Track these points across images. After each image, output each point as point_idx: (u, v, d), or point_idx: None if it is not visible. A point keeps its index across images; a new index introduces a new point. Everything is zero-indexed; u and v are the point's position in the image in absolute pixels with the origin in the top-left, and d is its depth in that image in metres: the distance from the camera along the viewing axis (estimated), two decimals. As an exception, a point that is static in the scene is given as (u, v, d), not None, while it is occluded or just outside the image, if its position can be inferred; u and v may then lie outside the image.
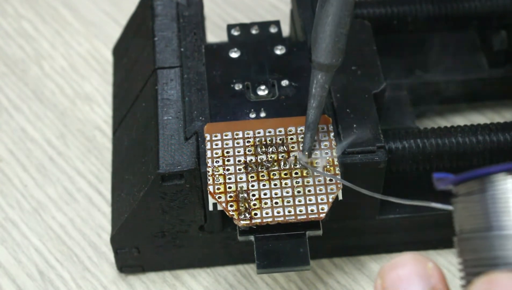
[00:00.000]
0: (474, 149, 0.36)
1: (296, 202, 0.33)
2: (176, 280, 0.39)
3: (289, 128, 0.35)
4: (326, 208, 0.33)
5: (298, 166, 0.34)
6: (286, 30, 0.45)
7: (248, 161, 0.34)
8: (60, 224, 0.41)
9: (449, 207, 0.25)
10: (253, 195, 0.33)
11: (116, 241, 0.37)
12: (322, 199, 0.33)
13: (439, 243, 0.39)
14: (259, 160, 0.34)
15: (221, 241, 0.38)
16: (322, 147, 0.35)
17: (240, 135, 0.35)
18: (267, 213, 0.33)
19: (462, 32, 0.44)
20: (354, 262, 0.40)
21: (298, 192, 0.33)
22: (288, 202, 0.33)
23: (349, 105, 0.36)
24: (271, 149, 0.35)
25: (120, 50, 0.44)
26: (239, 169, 0.34)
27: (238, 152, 0.35)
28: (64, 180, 0.43)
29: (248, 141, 0.35)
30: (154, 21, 0.40)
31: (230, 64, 0.38)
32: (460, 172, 0.25)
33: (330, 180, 0.34)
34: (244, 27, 0.40)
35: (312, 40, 0.33)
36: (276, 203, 0.33)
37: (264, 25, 0.40)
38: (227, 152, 0.34)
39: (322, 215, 0.33)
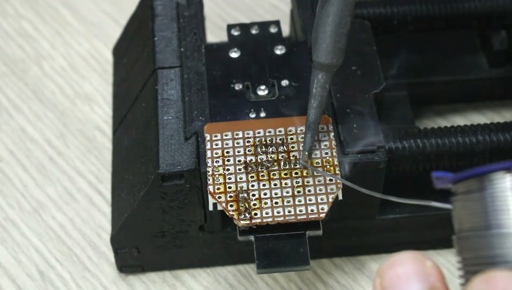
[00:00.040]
0: (474, 149, 0.36)
1: (296, 202, 0.33)
2: (176, 280, 0.39)
3: (289, 128, 0.35)
4: (326, 208, 0.33)
5: (298, 166, 0.34)
6: (286, 30, 0.45)
7: (248, 161, 0.34)
8: (60, 224, 0.41)
9: (449, 206, 0.25)
10: (253, 195, 0.33)
11: (116, 241, 0.37)
12: (322, 199, 0.33)
13: (439, 243, 0.39)
14: (259, 160, 0.34)
15: (221, 241, 0.38)
16: (322, 147, 0.35)
17: (240, 135, 0.35)
18: (267, 213, 0.33)
19: (462, 32, 0.44)
20: (354, 262, 0.40)
21: (298, 192, 0.33)
22: (288, 202, 0.33)
23: (349, 105, 0.36)
24: (271, 149, 0.35)
25: (120, 50, 0.44)
26: (239, 169, 0.34)
27: (238, 152, 0.35)
28: (64, 180, 0.43)
29: (248, 141, 0.35)
30: (154, 21, 0.40)
31: (230, 64, 0.38)
32: (459, 171, 0.25)
33: (330, 180, 0.34)
34: (244, 27, 0.40)
35: (312, 40, 0.33)
36: (276, 203, 0.33)
37: (264, 25, 0.40)
38: (227, 152, 0.34)
39: (322, 215, 0.33)
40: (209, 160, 0.34)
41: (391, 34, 0.43)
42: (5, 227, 0.41)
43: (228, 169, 0.34)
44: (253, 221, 0.33)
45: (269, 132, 0.35)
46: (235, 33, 0.40)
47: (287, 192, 0.33)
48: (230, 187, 0.33)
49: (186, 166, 0.34)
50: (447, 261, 0.39)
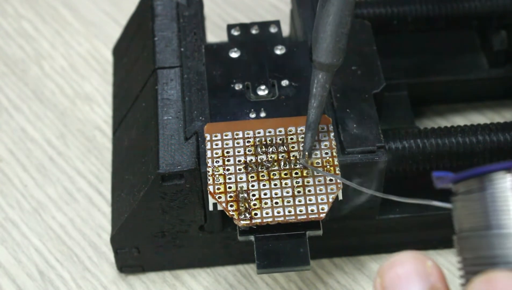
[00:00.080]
0: (474, 149, 0.36)
1: (296, 202, 0.33)
2: (176, 280, 0.39)
3: (289, 128, 0.35)
4: (326, 208, 0.33)
5: (298, 166, 0.34)
6: (286, 30, 0.45)
7: (248, 161, 0.34)
8: (60, 224, 0.41)
9: (449, 205, 0.25)
10: (253, 195, 0.33)
11: (116, 241, 0.37)
12: (322, 199, 0.33)
13: (439, 243, 0.39)
14: (259, 160, 0.34)
15: (221, 241, 0.38)
16: (322, 147, 0.35)
17: (240, 135, 0.35)
18: (267, 213, 0.33)
19: (462, 32, 0.44)
20: (354, 262, 0.40)
21: (298, 192, 0.33)
22: (288, 202, 0.33)
23: (349, 105, 0.36)
24: (271, 149, 0.35)
25: (120, 50, 0.44)
26: (239, 169, 0.34)
27: (238, 152, 0.35)
28: (64, 180, 0.43)
29: (248, 141, 0.35)
30: (154, 21, 0.40)
31: (230, 64, 0.38)
32: (460, 171, 0.25)
33: (330, 180, 0.34)
34: (244, 27, 0.40)
35: (313, 40, 0.33)
36: (276, 203, 0.33)
37: (264, 25, 0.40)
38: (227, 152, 0.34)
39: (322, 215, 0.33)
40: (209, 160, 0.34)
41: (391, 34, 0.43)
42: (5, 227, 0.41)
43: (228, 169, 0.34)
44: (253, 221, 0.33)
45: (269, 132, 0.35)
46: (235, 33, 0.40)
47: (287, 192, 0.33)
48: (230, 187, 0.33)
49: (186, 166, 0.34)
50: (447, 261, 0.39)
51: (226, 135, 0.35)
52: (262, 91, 0.37)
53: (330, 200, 0.33)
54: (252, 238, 0.33)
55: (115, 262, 0.39)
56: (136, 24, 0.43)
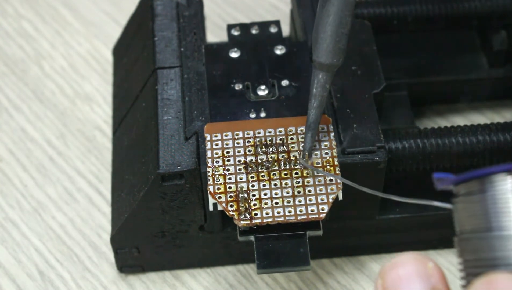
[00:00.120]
0: (474, 149, 0.36)
1: (296, 202, 0.33)
2: (176, 280, 0.39)
3: (289, 128, 0.35)
4: (326, 208, 0.33)
5: (298, 166, 0.34)
6: (286, 30, 0.45)
7: (248, 161, 0.34)
8: (60, 224, 0.41)
9: (450, 206, 0.25)
10: (253, 195, 0.33)
11: (116, 241, 0.37)
12: (322, 199, 0.33)
13: (439, 243, 0.40)
14: (259, 160, 0.34)
15: (221, 241, 0.38)
16: (322, 147, 0.35)
17: (240, 135, 0.35)
18: (267, 213, 0.33)
19: (462, 32, 0.44)
20: (354, 262, 0.40)
21: (298, 192, 0.33)
22: (288, 202, 0.33)
23: (349, 105, 0.36)
24: (271, 149, 0.35)
25: (120, 50, 0.44)
26: (239, 169, 0.34)
27: (238, 152, 0.35)
28: (64, 180, 0.43)
29: (248, 141, 0.35)
30: (154, 21, 0.40)
31: (230, 64, 0.38)
32: (460, 172, 0.25)
33: (330, 180, 0.34)
34: (244, 27, 0.40)
35: (313, 40, 0.33)
36: (276, 203, 0.33)
37: (264, 25, 0.40)
38: (227, 152, 0.34)
39: (322, 215, 0.33)
40: (209, 160, 0.34)
41: (391, 34, 0.43)
42: (5, 227, 0.41)
43: (228, 169, 0.34)
44: (253, 221, 0.33)
45: (269, 132, 0.35)
46: (235, 33, 0.40)
47: (287, 192, 0.33)
48: (230, 187, 0.33)
49: (186, 166, 0.34)
50: (447, 261, 0.39)
51: (226, 135, 0.35)
52: (262, 91, 0.37)
53: (330, 200, 0.33)
54: (252, 238, 0.33)
55: (115, 262, 0.39)
56: (136, 24, 0.43)
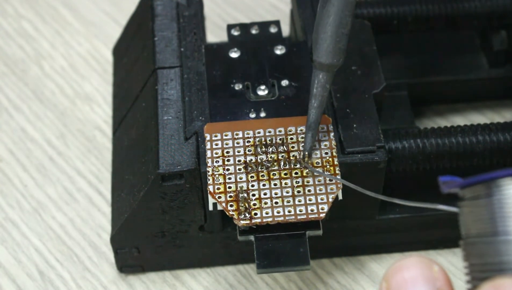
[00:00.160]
0: (474, 149, 0.36)
1: (296, 202, 0.33)
2: (176, 280, 0.39)
3: (289, 128, 0.35)
4: (326, 208, 0.33)
5: (298, 166, 0.34)
6: (286, 30, 0.45)
7: (248, 161, 0.34)
8: (60, 224, 0.41)
9: (455, 209, 0.25)
10: (253, 195, 0.33)
11: (116, 241, 0.37)
12: (322, 199, 0.33)
13: (439, 243, 0.39)
14: (259, 160, 0.34)
15: (221, 241, 0.38)
16: (322, 147, 0.35)
17: (240, 135, 0.35)
18: (267, 213, 0.33)
19: (462, 32, 0.44)
20: (354, 262, 0.40)
21: (298, 192, 0.33)
22: (288, 202, 0.33)
23: (349, 105, 0.36)
24: (271, 149, 0.35)
25: (120, 50, 0.44)
26: (239, 169, 0.34)
27: (238, 152, 0.35)
28: (64, 180, 0.43)
29: (248, 141, 0.35)
30: (154, 21, 0.40)
31: (230, 64, 0.38)
32: (462, 173, 0.25)
33: (330, 180, 0.34)
34: (244, 27, 0.40)
35: (313, 40, 0.33)
36: (276, 203, 0.33)
37: (264, 25, 0.40)
38: (227, 152, 0.34)
39: (322, 215, 0.33)
40: (209, 160, 0.34)
41: (391, 34, 0.43)
42: (5, 227, 0.41)
43: (228, 169, 0.34)
44: (253, 221, 0.33)
45: (269, 132, 0.35)
46: (235, 33, 0.40)
47: (287, 192, 0.33)
48: (230, 187, 0.33)
49: (186, 166, 0.34)
50: (447, 261, 0.39)
51: (226, 135, 0.35)
52: (262, 91, 0.37)
53: (330, 200, 0.33)
54: (252, 238, 0.33)
55: (115, 262, 0.39)
56: (136, 24, 0.43)
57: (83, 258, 0.40)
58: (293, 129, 0.35)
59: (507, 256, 0.23)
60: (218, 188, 0.33)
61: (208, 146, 0.35)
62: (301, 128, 0.35)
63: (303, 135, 0.35)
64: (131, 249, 0.38)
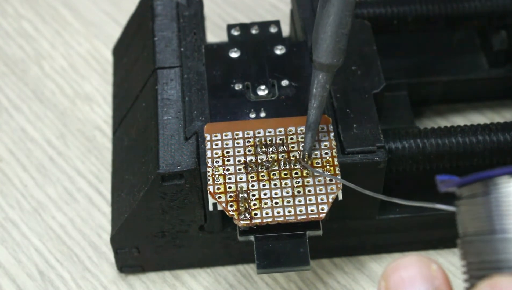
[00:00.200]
0: (474, 149, 0.36)
1: (296, 202, 0.33)
2: (176, 280, 0.39)
3: (289, 128, 0.35)
4: (326, 208, 0.33)
5: (298, 166, 0.34)
6: (286, 30, 0.45)
7: (248, 161, 0.34)
8: (60, 224, 0.41)
9: (453, 209, 0.25)
10: (253, 195, 0.33)
11: (116, 241, 0.37)
12: (322, 199, 0.33)
13: (439, 243, 0.40)
14: (259, 160, 0.34)
15: (221, 241, 0.38)
16: (322, 147, 0.35)
17: (240, 135, 0.35)
18: (267, 213, 0.33)
19: (462, 32, 0.44)
20: (354, 262, 0.40)
21: (298, 192, 0.33)
22: (288, 202, 0.33)
23: (349, 105, 0.36)
24: (271, 149, 0.35)
25: (120, 50, 0.44)
26: (239, 169, 0.34)
27: (238, 152, 0.35)
28: (64, 180, 0.43)
29: (248, 141, 0.35)
30: (154, 21, 0.40)
31: (230, 64, 0.38)
32: (461, 173, 0.25)
33: (330, 180, 0.34)
34: (244, 27, 0.40)
35: (313, 40, 0.33)
36: (276, 203, 0.33)
37: (264, 25, 0.40)
38: (227, 152, 0.34)
39: (322, 215, 0.33)
40: (209, 160, 0.34)
41: (391, 34, 0.43)
42: (5, 227, 0.41)
43: (228, 169, 0.34)
44: (253, 221, 0.33)
45: (269, 132, 0.35)
46: (235, 33, 0.40)
47: (287, 192, 0.33)
48: (230, 187, 0.33)
49: (186, 166, 0.34)
50: (447, 261, 0.39)
51: (226, 135, 0.35)
52: (262, 91, 0.37)
53: (330, 200, 0.33)
54: (252, 238, 0.33)
55: (115, 262, 0.39)
56: (136, 24, 0.43)
57: (83, 258, 0.40)
58: (293, 129, 0.35)
59: (504, 254, 0.23)
60: (218, 188, 0.33)
61: (208, 146, 0.35)
62: (301, 128, 0.35)
63: (303, 135, 0.35)
64: (131, 249, 0.38)
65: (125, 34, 0.44)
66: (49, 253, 0.40)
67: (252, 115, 0.36)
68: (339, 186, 0.33)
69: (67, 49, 0.49)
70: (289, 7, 0.45)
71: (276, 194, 0.33)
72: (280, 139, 0.35)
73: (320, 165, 0.34)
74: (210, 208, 0.34)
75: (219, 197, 0.33)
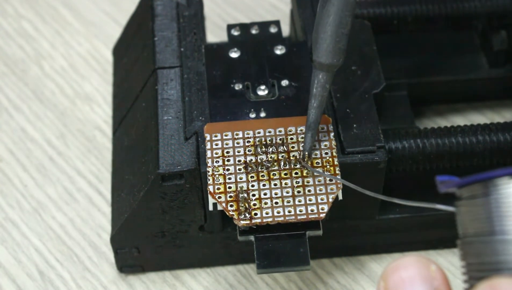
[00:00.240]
0: (474, 149, 0.36)
1: (296, 202, 0.33)
2: (176, 280, 0.39)
3: (289, 128, 0.35)
4: (326, 208, 0.33)
5: (298, 166, 0.34)
6: (286, 30, 0.45)
7: (248, 161, 0.34)
8: (60, 224, 0.41)
9: (453, 209, 0.25)
10: (253, 195, 0.33)
11: (116, 241, 0.37)
12: (322, 199, 0.33)
13: (439, 243, 0.40)
14: (259, 160, 0.34)
15: (221, 241, 0.38)
16: (322, 147, 0.35)
17: (240, 135, 0.35)
18: (267, 213, 0.33)
19: (462, 32, 0.44)
20: (354, 262, 0.40)
21: (298, 192, 0.33)
22: (288, 202, 0.33)
23: (349, 105, 0.36)
24: (271, 149, 0.35)
25: (120, 50, 0.44)
26: (239, 169, 0.34)
27: (238, 152, 0.35)
28: (64, 180, 0.43)
29: (248, 141, 0.35)
30: (154, 21, 0.40)
31: (230, 64, 0.38)
32: (461, 173, 0.25)
33: (330, 180, 0.34)
34: (244, 27, 0.40)
35: (313, 40, 0.33)
36: (276, 203, 0.33)
37: (264, 25, 0.40)
38: (227, 152, 0.34)
39: (322, 215, 0.33)
40: (209, 160, 0.34)
41: (391, 34, 0.43)
42: (5, 227, 0.41)
43: (228, 169, 0.34)
44: (253, 221, 0.33)
45: (269, 132, 0.35)
46: (235, 33, 0.40)
47: (287, 192, 0.33)
48: (230, 187, 0.33)
49: (186, 166, 0.34)
50: (447, 261, 0.39)
51: (226, 135, 0.35)
52: (262, 91, 0.37)
53: (330, 200, 0.33)
54: (252, 238, 0.33)
55: (115, 262, 0.39)
56: (136, 24, 0.43)
57: (83, 258, 0.40)
58: (293, 129, 0.35)
59: (504, 255, 0.23)
60: (218, 188, 0.33)
61: (208, 146, 0.35)
62: (301, 128, 0.35)
63: (303, 135, 0.35)
64: (131, 249, 0.38)
65: (125, 34, 0.44)
66: (49, 253, 0.40)
67: (252, 115, 0.36)
68: (339, 186, 0.33)
69: (67, 49, 0.49)
70: (289, 7, 0.45)
71: (276, 194, 0.33)
72: (280, 139, 0.35)
73: (320, 165, 0.34)
74: (210, 208, 0.34)
75: (219, 197, 0.33)
